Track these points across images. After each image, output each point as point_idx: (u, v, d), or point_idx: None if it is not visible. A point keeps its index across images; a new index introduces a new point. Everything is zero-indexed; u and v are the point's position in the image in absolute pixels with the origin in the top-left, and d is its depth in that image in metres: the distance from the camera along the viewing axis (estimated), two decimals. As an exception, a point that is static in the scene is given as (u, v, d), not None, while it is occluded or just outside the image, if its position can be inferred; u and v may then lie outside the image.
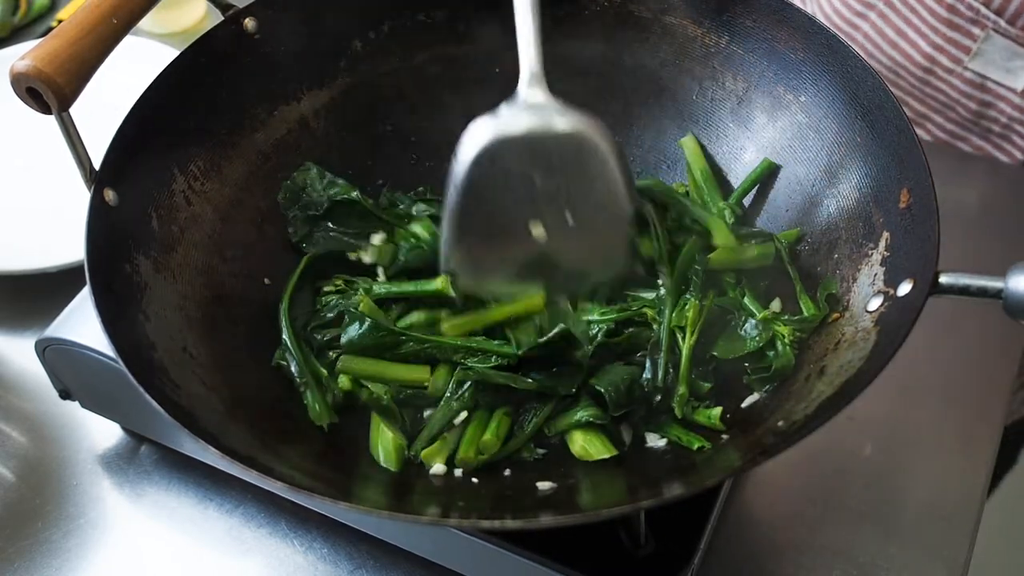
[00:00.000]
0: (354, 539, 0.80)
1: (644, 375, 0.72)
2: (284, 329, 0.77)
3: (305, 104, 0.86)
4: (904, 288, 0.63)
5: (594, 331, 0.74)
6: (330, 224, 0.84)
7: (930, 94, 1.13)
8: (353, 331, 0.75)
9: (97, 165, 0.70)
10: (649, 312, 0.74)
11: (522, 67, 0.66)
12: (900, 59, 1.12)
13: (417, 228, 0.84)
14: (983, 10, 1.03)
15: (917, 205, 0.66)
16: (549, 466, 0.71)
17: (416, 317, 0.77)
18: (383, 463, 0.70)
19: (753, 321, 0.73)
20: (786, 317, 0.72)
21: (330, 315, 0.78)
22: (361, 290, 0.78)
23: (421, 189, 0.89)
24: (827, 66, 0.77)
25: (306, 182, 0.84)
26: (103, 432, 0.88)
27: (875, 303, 0.66)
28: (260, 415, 0.70)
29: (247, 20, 0.81)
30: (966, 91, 1.10)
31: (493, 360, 0.73)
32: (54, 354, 0.80)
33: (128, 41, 0.72)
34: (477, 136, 0.64)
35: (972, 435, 0.86)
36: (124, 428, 0.88)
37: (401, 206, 0.87)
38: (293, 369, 0.75)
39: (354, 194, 0.83)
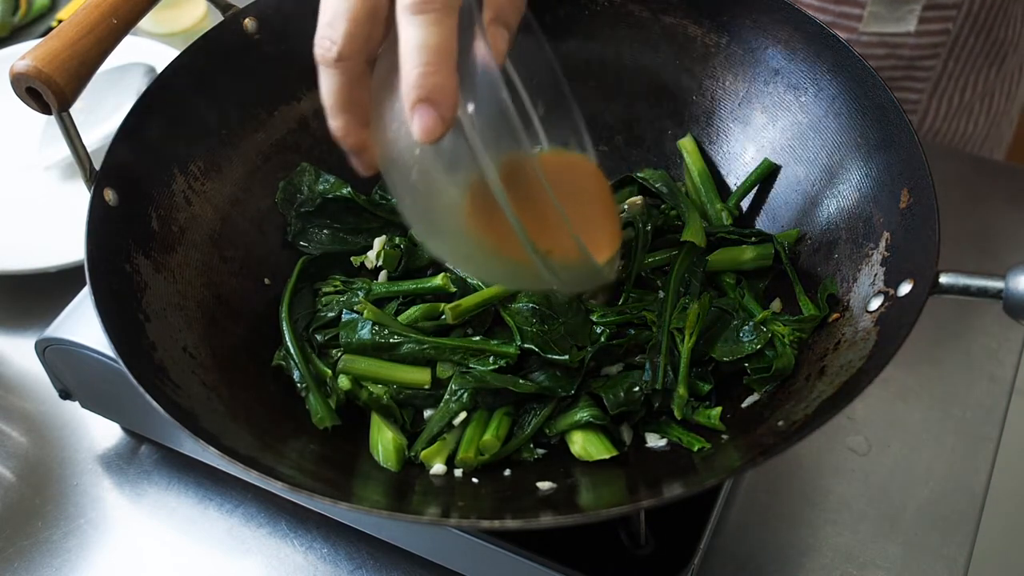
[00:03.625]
0: (354, 539, 0.80)
1: (644, 377, 0.72)
2: (285, 333, 0.77)
3: (305, 104, 0.86)
4: (904, 288, 0.63)
5: (596, 333, 0.74)
6: (325, 221, 0.84)
7: None
8: (353, 331, 0.75)
9: (97, 165, 0.70)
10: (648, 315, 0.74)
11: None
12: None
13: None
14: None
15: (917, 205, 0.66)
16: (549, 466, 0.71)
17: (418, 311, 0.77)
18: (383, 463, 0.70)
19: (751, 323, 0.73)
20: (786, 317, 0.72)
21: (330, 315, 0.78)
22: (361, 294, 0.78)
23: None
24: (827, 66, 0.77)
25: (302, 181, 0.84)
26: (103, 432, 0.88)
27: (875, 303, 0.66)
28: (260, 415, 0.70)
29: (247, 20, 0.81)
30: (865, 53, 1.14)
31: (492, 362, 0.73)
32: (54, 354, 0.80)
33: (128, 41, 0.72)
34: None
35: (972, 435, 0.86)
36: (124, 428, 0.88)
37: (393, 200, 0.87)
38: (295, 375, 0.75)
39: (345, 190, 0.83)
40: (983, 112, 1.26)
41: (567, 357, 0.72)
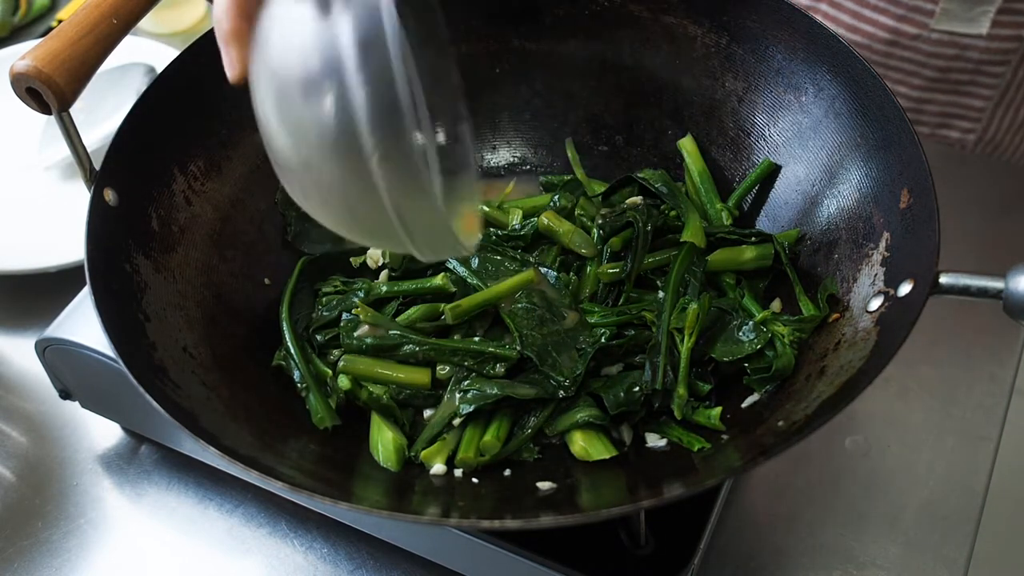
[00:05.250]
0: (354, 539, 0.80)
1: (643, 377, 0.72)
2: (285, 333, 0.77)
3: (305, 104, 0.86)
4: (904, 288, 0.63)
5: (595, 333, 0.74)
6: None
7: (895, 65, 1.15)
8: (353, 332, 0.75)
9: (97, 165, 0.70)
10: (648, 315, 0.74)
11: None
12: (861, 40, 1.14)
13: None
14: None
15: (917, 205, 0.66)
16: (549, 466, 0.71)
17: (417, 312, 0.77)
18: (383, 463, 0.71)
19: (750, 323, 0.73)
20: (786, 317, 0.72)
21: (330, 315, 0.78)
22: (359, 296, 0.78)
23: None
24: (827, 66, 0.77)
25: (304, 182, 0.84)
26: (103, 432, 0.88)
27: (875, 303, 0.66)
28: (260, 415, 0.70)
29: (247, 20, 0.81)
30: (933, 51, 1.12)
31: (491, 367, 0.73)
32: (54, 354, 0.80)
33: (128, 41, 0.72)
34: None
35: (972, 435, 0.86)
36: (124, 428, 0.88)
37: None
38: (295, 375, 0.75)
39: None
40: None
41: (564, 379, 0.72)
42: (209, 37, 0.79)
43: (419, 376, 0.74)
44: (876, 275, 0.68)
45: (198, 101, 0.79)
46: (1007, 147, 1.21)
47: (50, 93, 0.66)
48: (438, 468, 0.70)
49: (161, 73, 0.77)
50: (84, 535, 0.81)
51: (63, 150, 1.04)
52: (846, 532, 0.80)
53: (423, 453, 0.71)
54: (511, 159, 0.93)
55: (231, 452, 0.59)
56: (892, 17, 1.11)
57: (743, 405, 0.71)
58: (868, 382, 0.58)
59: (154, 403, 0.59)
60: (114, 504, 0.83)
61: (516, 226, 0.83)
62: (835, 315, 0.70)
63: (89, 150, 0.70)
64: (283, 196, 0.84)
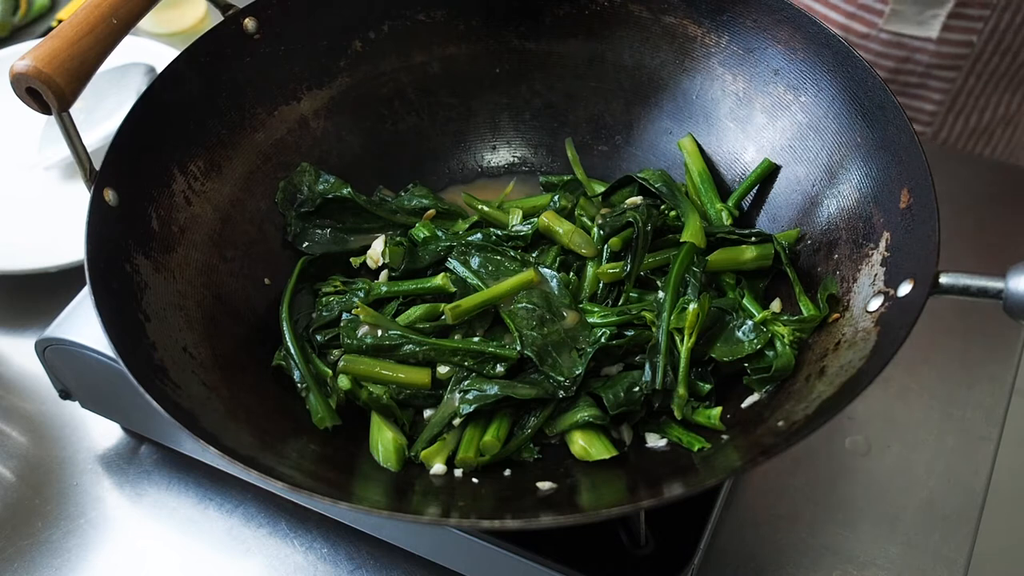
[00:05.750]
0: (354, 539, 0.80)
1: (643, 377, 0.72)
2: (285, 333, 0.77)
3: (305, 104, 0.86)
4: (904, 288, 0.63)
5: (596, 335, 0.74)
6: (325, 221, 0.84)
7: None
8: (353, 332, 0.75)
9: (97, 165, 0.70)
10: (648, 315, 0.74)
11: None
12: None
13: (418, 229, 0.84)
14: None
15: (917, 205, 0.66)
16: (549, 466, 0.71)
17: (417, 312, 0.77)
18: (383, 463, 0.71)
19: (750, 323, 0.73)
20: (786, 317, 0.72)
21: (330, 315, 0.78)
22: (359, 296, 0.78)
23: (411, 186, 0.89)
24: (827, 66, 0.77)
25: (302, 181, 0.84)
26: (103, 432, 0.88)
27: (875, 303, 0.66)
28: (260, 415, 0.70)
29: (247, 20, 0.81)
30: (883, 52, 1.12)
31: (491, 367, 0.73)
32: (54, 354, 0.80)
33: (128, 41, 0.72)
34: None
35: (972, 435, 0.86)
36: (124, 428, 0.88)
37: (394, 202, 0.87)
38: (295, 375, 0.75)
39: (345, 191, 0.83)
40: (1003, 139, 1.22)
41: (564, 379, 0.72)
42: (209, 37, 0.79)
43: (419, 376, 0.74)
44: (876, 275, 0.68)
45: (198, 101, 0.79)
46: (961, 151, 1.22)
47: (50, 93, 0.66)
48: (438, 468, 0.70)
49: (161, 73, 0.77)
50: (84, 535, 0.81)
51: (63, 150, 1.04)
52: (846, 532, 0.80)
53: (423, 453, 0.71)
54: (511, 159, 0.93)
55: (231, 452, 0.59)
56: (842, 14, 1.11)
57: (743, 405, 0.71)
58: (868, 382, 0.58)
59: (154, 403, 0.59)
60: (114, 504, 0.83)
61: (516, 226, 0.83)
62: (835, 315, 0.70)
63: (89, 150, 0.70)
64: (283, 196, 0.84)
